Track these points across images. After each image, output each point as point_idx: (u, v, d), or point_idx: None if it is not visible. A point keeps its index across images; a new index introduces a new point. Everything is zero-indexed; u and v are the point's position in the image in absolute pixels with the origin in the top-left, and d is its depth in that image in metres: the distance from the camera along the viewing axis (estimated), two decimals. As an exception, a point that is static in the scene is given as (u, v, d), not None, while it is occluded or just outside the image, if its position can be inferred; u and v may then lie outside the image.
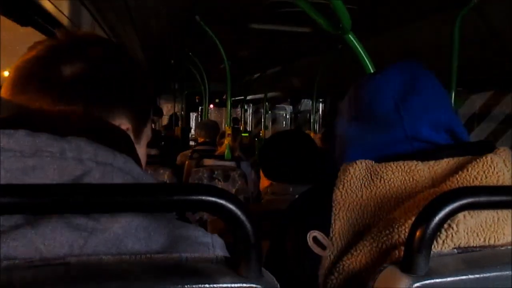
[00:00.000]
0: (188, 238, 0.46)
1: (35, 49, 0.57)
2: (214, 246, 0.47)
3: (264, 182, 1.50)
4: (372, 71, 1.42)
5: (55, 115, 0.51)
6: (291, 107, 8.58)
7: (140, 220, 0.44)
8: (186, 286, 0.40)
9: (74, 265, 0.40)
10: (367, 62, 1.41)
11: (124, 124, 0.58)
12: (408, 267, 0.52)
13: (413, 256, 0.51)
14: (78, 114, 0.52)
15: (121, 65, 0.61)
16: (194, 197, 0.41)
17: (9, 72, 0.57)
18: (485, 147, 0.68)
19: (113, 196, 0.40)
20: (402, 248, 0.55)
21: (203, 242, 0.47)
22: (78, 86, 0.54)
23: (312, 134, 3.67)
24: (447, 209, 0.50)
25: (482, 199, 0.52)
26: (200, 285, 0.41)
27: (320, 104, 6.53)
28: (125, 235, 0.42)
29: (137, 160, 0.52)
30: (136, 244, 0.43)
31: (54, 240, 0.40)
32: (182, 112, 7.96)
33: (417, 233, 0.51)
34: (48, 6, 1.58)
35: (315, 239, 0.66)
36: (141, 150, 0.62)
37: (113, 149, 0.48)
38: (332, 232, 0.65)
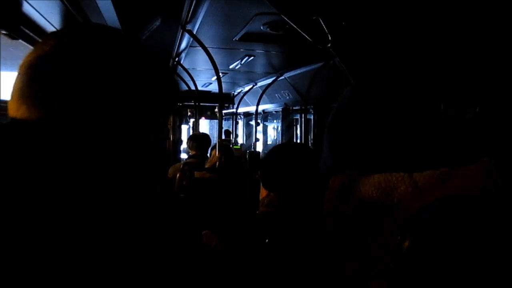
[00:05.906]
0: None
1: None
2: None
3: (263, 192, 1.50)
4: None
5: None
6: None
7: None
8: None
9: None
10: (355, 75, 1.42)
11: None
12: (397, 280, 0.51)
13: (402, 269, 0.51)
14: None
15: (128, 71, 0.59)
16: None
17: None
18: (470, 157, 0.68)
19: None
20: (390, 259, 0.55)
21: None
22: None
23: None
24: (433, 219, 0.50)
25: (470, 208, 0.52)
26: None
27: (312, 116, 6.54)
28: None
29: None
30: None
31: None
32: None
33: (405, 245, 0.51)
34: (38, 18, 1.58)
35: None
36: None
37: None
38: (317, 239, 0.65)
